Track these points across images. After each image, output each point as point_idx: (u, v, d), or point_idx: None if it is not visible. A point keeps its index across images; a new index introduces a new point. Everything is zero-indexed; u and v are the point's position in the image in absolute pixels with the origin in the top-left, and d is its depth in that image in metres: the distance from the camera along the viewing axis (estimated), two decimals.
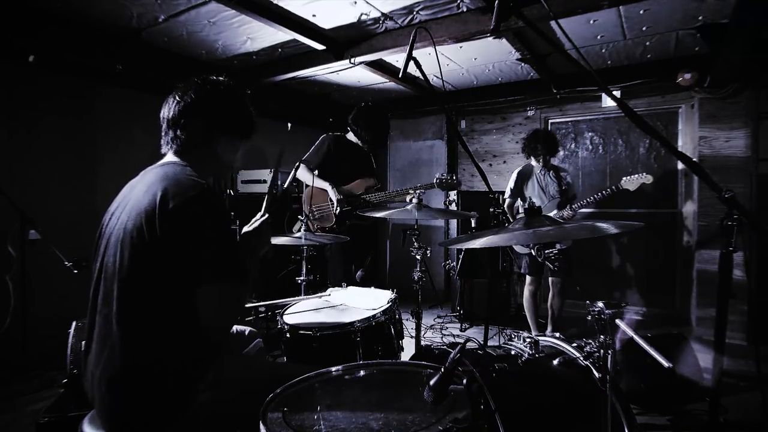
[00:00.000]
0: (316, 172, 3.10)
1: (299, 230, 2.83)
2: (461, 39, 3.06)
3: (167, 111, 1.34)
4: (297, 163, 3.25)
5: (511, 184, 3.64)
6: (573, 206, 3.30)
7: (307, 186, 3.18)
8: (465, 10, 2.87)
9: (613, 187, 3.21)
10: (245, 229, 1.43)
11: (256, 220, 1.44)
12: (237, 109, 1.40)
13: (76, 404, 1.73)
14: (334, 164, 3.15)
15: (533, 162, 3.55)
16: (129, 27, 3.05)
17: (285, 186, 3.56)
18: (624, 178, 3.20)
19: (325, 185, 3.09)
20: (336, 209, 3.08)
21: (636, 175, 3.17)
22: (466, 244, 1.39)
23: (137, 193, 1.23)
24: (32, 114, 3.20)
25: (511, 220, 3.30)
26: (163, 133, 1.36)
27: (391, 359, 1.86)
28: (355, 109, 3.26)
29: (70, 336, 2.06)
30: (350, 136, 3.31)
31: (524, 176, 3.59)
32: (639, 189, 4.28)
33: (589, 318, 1.32)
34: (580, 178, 4.77)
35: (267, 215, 1.46)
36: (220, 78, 1.40)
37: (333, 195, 3.07)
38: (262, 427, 1.00)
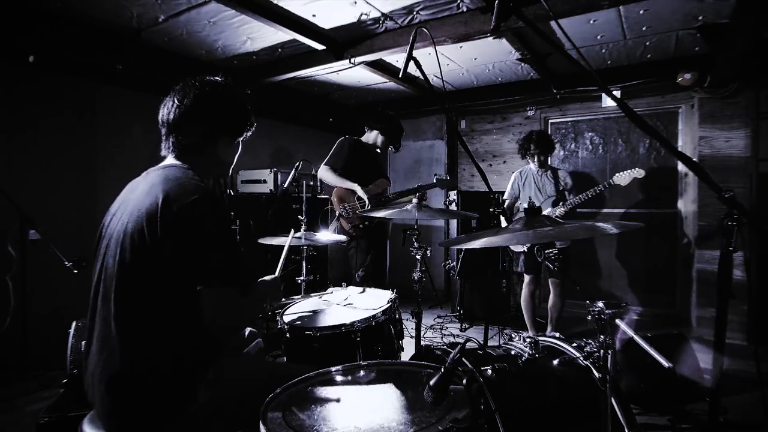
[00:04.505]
0: (340, 172, 3.21)
1: (335, 230, 3.16)
2: (461, 39, 3.06)
3: (166, 114, 1.33)
4: (297, 163, 3.27)
5: (509, 185, 3.67)
6: (566, 204, 3.31)
7: (334, 188, 3.27)
8: (465, 10, 2.87)
9: (606, 183, 3.21)
10: (260, 281, 1.54)
11: (271, 277, 1.57)
12: (235, 110, 1.39)
13: (76, 404, 1.72)
14: (354, 166, 3.23)
15: (530, 163, 3.56)
16: (129, 27, 3.05)
17: (285, 186, 3.58)
18: (616, 174, 3.22)
19: (353, 186, 3.16)
20: (367, 207, 3.14)
21: (628, 171, 3.20)
22: (466, 244, 1.39)
23: (138, 194, 1.23)
24: (32, 114, 3.20)
25: (504, 222, 3.31)
26: (162, 137, 1.36)
27: (391, 359, 1.86)
28: (380, 113, 3.44)
29: (70, 336, 2.06)
30: (365, 138, 3.43)
31: (522, 177, 3.61)
32: (639, 189, 4.29)
33: (589, 318, 1.31)
34: (581, 178, 4.78)
35: (279, 277, 1.61)
36: (217, 78, 1.39)
37: (363, 194, 3.14)
38: (262, 427, 1.00)
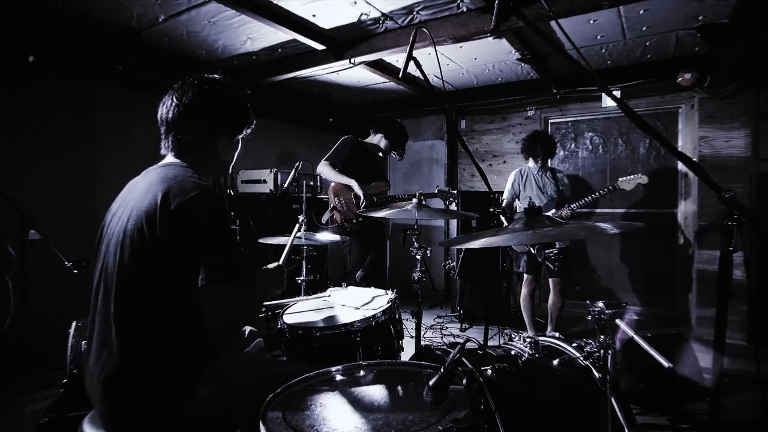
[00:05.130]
0: (339, 168, 3.25)
1: (327, 221, 3.20)
2: (461, 39, 3.06)
3: (165, 113, 1.33)
4: (297, 163, 3.28)
5: (508, 184, 3.67)
6: (571, 205, 3.33)
7: (332, 183, 3.32)
8: (465, 10, 2.87)
9: (610, 187, 3.25)
10: (263, 270, 1.52)
11: (274, 265, 1.54)
12: (235, 108, 1.39)
13: (76, 404, 1.73)
14: (354, 164, 3.27)
15: (531, 163, 3.57)
16: (129, 27, 3.05)
17: (285, 186, 3.59)
18: (621, 179, 3.26)
19: (351, 182, 3.19)
20: (363, 203, 3.16)
21: (633, 176, 3.24)
22: (466, 244, 1.39)
23: (138, 193, 1.23)
24: (32, 114, 3.20)
25: (504, 221, 3.30)
26: (162, 136, 1.36)
27: (391, 359, 1.86)
28: (390, 121, 3.54)
29: (70, 336, 2.06)
30: (369, 140, 3.48)
31: (522, 177, 3.61)
32: (639, 189, 4.29)
33: (589, 318, 1.32)
34: (581, 179, 4.78)
35: (284, 266, 1.58)
36: (216, 76, 1.39)
37: (359, 190, 3.17)
38: (262, 427, 1.00)
